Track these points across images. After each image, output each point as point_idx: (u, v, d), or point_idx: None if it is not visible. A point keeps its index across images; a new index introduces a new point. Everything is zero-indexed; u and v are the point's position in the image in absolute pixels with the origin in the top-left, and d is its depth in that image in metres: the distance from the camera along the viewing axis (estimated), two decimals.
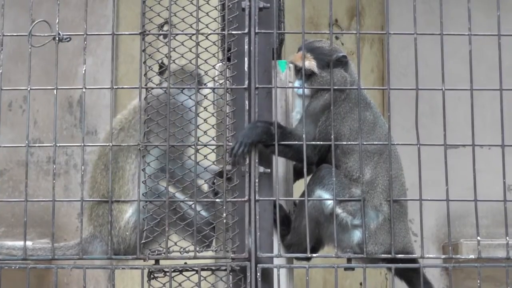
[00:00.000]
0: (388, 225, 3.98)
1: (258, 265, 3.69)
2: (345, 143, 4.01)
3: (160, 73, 4.07)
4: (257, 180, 3.76)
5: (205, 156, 3.93)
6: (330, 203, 3.97)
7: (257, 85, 3.78)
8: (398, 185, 4.11)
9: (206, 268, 3.80)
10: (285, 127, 4.02)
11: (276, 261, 3.76)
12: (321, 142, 4.00)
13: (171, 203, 3.78)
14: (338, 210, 3.97)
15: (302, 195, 4.04)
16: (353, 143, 3.97)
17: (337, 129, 4.03)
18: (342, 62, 4.16)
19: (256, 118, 3.77)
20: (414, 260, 3.95)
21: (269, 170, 3.86)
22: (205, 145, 3.93)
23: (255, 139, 3.80)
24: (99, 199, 4.17)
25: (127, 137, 4.27)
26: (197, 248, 3.76)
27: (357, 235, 4.01)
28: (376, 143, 4.07)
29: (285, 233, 4.15)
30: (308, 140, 3.87)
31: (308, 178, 3.93)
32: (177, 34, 3.86)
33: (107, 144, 3.83)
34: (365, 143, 3.90)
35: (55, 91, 3.78)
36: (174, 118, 3.90)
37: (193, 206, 3.81)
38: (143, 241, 3.81)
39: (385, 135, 4.08)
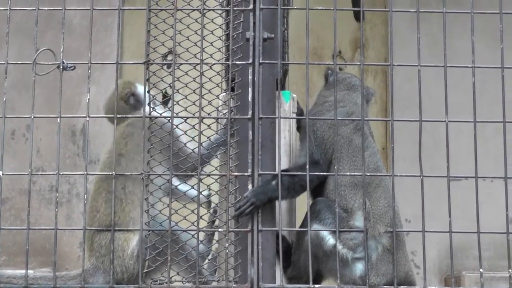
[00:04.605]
0: (387, 255, 3.98)
1: None
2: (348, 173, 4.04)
3: (164, 103, 4.09)
4: (260, 210, 3.75)
5: (208, 185, 3.94)
6: (328, 239, 3.96)
7: (260, 115, 3.78)
8: (392, 214, 4.09)
9: None
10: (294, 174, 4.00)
11: None
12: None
13: (173, 233, 3.77)
14: (339, 247, 3.94)
15: (300, 227, 4.04)
16: (357, 173, 3.97)
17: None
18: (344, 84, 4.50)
19: (259, 149, 3.77)
20: None
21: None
22: (208, 175, 3.93)
23: (264, 198, 3.81)
24: (102, 228, 4.13)
25: (129, 161, 4.24)
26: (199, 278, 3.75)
27: (359, 268, 3.99)
28: (379, 174, 4.08)
29: (287, 265, 4.13)
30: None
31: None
32: (181, 64, 3.87)
33: (111, 173, 3.82)
34: (368, 174, 3.89)
35: (58, 119, 3.78)
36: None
37: (195, 236, 3.79)
38: (145, 271, 3.79)
39: (374, 162, 4.13)
